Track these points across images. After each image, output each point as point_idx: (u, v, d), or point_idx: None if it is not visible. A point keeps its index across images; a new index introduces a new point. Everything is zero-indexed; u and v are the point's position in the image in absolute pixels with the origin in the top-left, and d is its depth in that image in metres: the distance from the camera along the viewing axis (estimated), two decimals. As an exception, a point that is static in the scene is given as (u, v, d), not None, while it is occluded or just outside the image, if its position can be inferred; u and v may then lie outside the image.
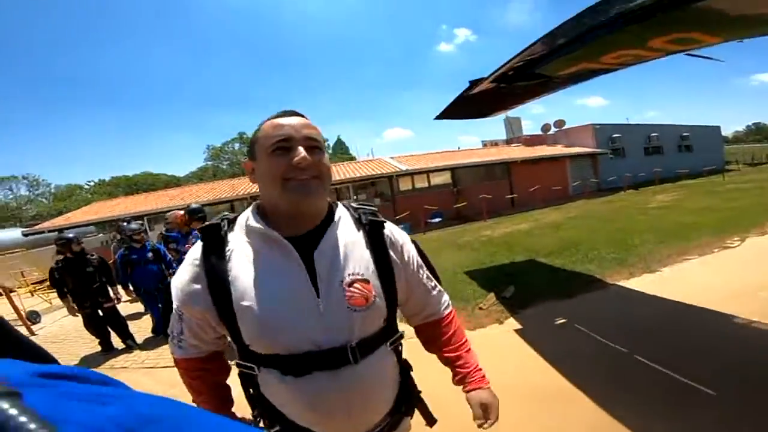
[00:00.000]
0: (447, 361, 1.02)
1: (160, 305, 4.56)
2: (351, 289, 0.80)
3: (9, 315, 6.25)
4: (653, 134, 21.61)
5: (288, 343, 0.77)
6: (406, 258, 0.93)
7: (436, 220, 13.86)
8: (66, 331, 5.70)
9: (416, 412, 1.01)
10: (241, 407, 0.98)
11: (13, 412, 0.20)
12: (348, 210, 0.92)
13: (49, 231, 12.47)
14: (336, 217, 0.86)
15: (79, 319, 4.41)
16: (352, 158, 32.93)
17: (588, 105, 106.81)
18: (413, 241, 1.01)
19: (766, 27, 2.50)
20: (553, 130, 22.79)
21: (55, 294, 4.53)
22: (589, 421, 2.11)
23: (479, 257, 6.69)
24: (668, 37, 2.63)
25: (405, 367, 0.97)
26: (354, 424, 0.82)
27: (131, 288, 4.63)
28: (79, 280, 4.25)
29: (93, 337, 4.48)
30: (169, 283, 3.86)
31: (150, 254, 4.48)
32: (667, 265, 4.73)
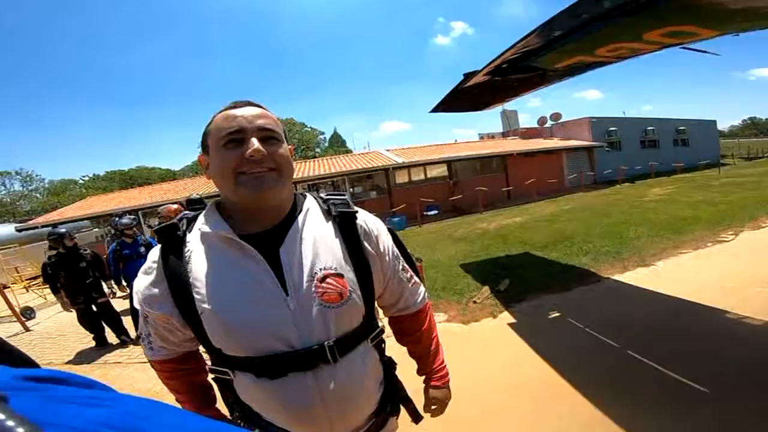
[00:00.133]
0: (415, 356, 1.05)
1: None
2: (323, 284, 0.76)
3: (3, 311, 6.23)
4: (649, 128, 21.61)
5: (258, 345, 0.73)
6: (381, 249, 0.89)
7: (432, 212, 13.85)
8: (61, 326, 5.67)
9: (402, 411, 0.99)
10: (224, 405, 0.95)
11: (0, 416, 0.20)
12: (317, 201, 0.87)
13: (43, 226, 12.33)
14: (303, 210, 0.82)
15: (74, 314, 4.39)
16: (349, 151, 32.78)
17: (585, 98, 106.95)
18: (390, 231, 0.97)
19: (762, 21, 2.48)
20: (549, 123, 22.74)
21: (50, 290, 4.50)
22: (580, 416, 2.12)
23: (474, 250, 6.70)
24: (663, 30, 2.61)
25: (389, 365, 0.94)
26: (336, 426, 0.78)
27: (124, 283, 4.60)
28: (73, 275, 4.22)
29: (88, 333, 4.46)
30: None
31: (142, 249, 4.44)
32: (662, 258, 4.75)
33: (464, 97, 4.48)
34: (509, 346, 3.06)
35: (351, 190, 14.87)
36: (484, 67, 3.39)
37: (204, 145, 0.80)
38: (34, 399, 0.24)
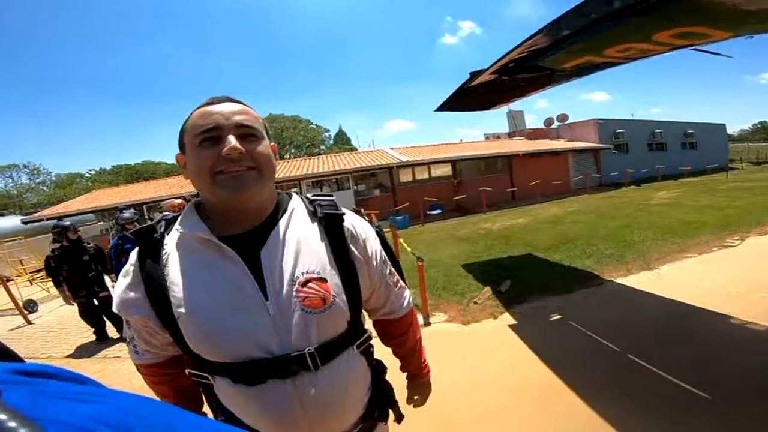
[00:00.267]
0: (399, 355, 1.06)
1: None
2: (305, 289, 0.72)
3: (6, 304, 6.27)
4: (657, 130, 21.42)
5: (236, 351, 0.70)
6: (369, 253, 0.85)
7: (436, 212, 13.82)
8: (63, 320, 5.70)
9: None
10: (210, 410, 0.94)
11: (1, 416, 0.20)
12: (303, 202, 0.84)
13: (48, 219, 12.44)
14: (287, 211, 0.79)
15: (76, 308, 4.41)
16: (354, 149, 32.74)
17: (592, 100, 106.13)
18: (378, 233, 0.94)
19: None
20: (556, 124, 22.62)
21: (52, 283, 4.52)
22: (580, 421, 2.09)
23: (477, 250, 6.67)
24: (673, 30, 2.56)
25: (378, 370, 0.91)
26: None
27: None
28: (75, 268, 4.24)
29: (89, 327, 4.48)
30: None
31: (144, 244, 4.44)
32: (666, 262, 4.70)
33: (470, 96, 4.45)
34: (509, 347, 3.04)
35: (355, 187, 14.87)
36: (491, 66, 3.36)
37: (181, 144, 0.76)
38: (27, 393, 0.24)
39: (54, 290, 5.34)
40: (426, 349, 1.08)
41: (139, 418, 0.26)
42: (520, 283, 4.48)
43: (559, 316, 3.49)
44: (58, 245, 4.29)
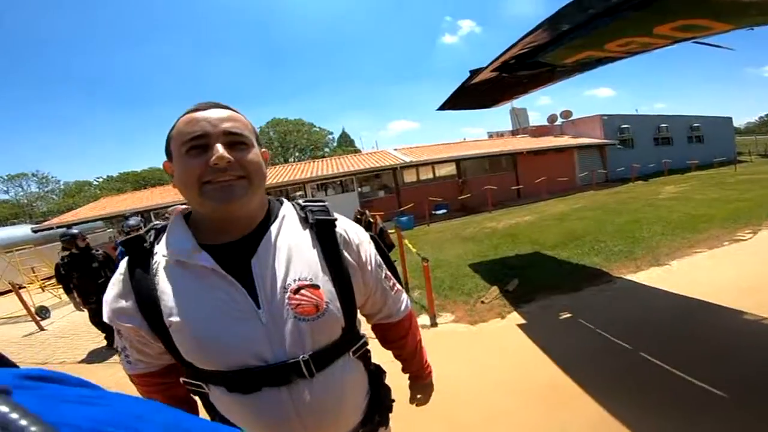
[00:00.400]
0: (400, 358, 1.05)
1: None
2: (297, 296, 0.72)
3: (19, 311, 6.37)
4: (663, 125, 21.17)
5: (229, 360, 0.70)
6: (363, 258, 0.84)
7: (441, 211, 13.77)
8: (75, 326, 5.76)
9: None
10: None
11: (14, 416, 0.20)
12: (294, 208, 0.83)
13: (58, 227, 12.60)
14: (278, 218, 0.78)
15: (86, 314, 4.45)
16: (357, 150, 32.81)
17: (596, 96, 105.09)
18: (372, 237, 0.93)
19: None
20: (559, 121, 22.45)
21: (63, 290, 4.58)
22: (592, 421, 2.07)
23: (483, 249, 6.64)
24: (674, 23, 2.53)
25: (376, 374, 0.91)
26: None
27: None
28: (85, 275, 4.29)
29: (100, 332, 4.52)
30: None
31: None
32: (676, 258, 4.64)
33: (471, 94, 4.43)
34: (518, 347, 3.02)
35: (359, 189, 14.87)
36: (491, 63, 3.35)
37: (168, 152, 0.74)
38: (35, 398, 0.24)
39: (65, 297, 5.41)
40: (433, 350, 1.09)
41: (144, 420, 0.27)
42: (527, 282, 4.44)
43: (568, 315, 3.46)
44: (67, 253, 4.35)
